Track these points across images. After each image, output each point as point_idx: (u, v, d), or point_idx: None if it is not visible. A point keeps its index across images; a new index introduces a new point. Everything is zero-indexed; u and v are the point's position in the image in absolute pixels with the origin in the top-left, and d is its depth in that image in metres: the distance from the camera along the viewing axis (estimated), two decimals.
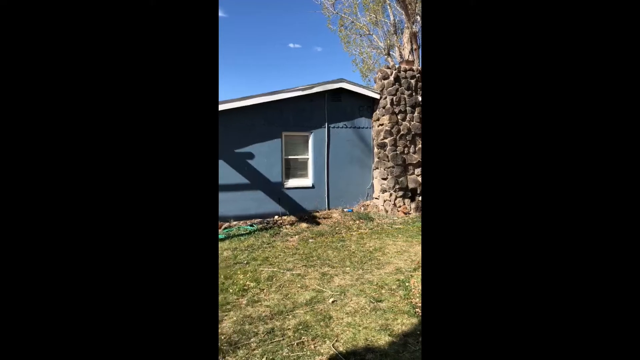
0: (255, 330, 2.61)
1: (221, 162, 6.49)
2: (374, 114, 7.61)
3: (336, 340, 2.47)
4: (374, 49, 16.18)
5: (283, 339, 2.49)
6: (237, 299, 3.21)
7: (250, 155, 6.68)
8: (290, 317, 2.84)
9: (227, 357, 2.27)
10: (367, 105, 7.64)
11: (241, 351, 2.33)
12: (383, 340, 2.47)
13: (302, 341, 2.46)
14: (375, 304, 3.07)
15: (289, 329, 2.64)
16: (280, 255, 4.62)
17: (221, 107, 6.34)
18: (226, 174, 6.52)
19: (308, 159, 7.23)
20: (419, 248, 4.84)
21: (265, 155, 6.76)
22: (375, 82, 7.74)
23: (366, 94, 7.47)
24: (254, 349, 2.36)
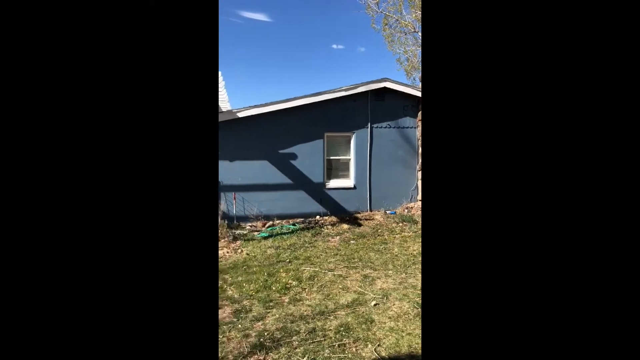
0: (297, 328, 2.64)
1: (265, 163, 6.67)
2: (419, 113, 7.38)
3: (378, 345, 2.42)
4: (419, 46, 15.71)
5: (324, 340, 2.49)
6: (280, 296, 3.27)
7: (293, 156, 6.79)
8: (331, 318, 2.83)
9: (270, 354, 2.31)
10: (412, 105, 7.43)
11: (283, 349, 2.37)
12: None
13: (344, 343, 2.45)
14: (419, 309, 2.97)
15: (330, 329, 2.63)
16: (321, 255, 4.64)
17: (265, 110, 6.52)
18: (270, 173, 6.68)
19: (350, 159, 7.20)
20: None
21: (308, 156, 6.83)
22: (420, 80, 7.50)
23: (411, 92, 7.27)
24: (295, 347, 2.38)
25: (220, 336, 2.52)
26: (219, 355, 2.28)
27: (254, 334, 2.56)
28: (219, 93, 6.04)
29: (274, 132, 6.65)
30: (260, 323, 2.74)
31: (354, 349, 2.37)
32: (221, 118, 6.49)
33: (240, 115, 6.51)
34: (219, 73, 5.25)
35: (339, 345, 2.41)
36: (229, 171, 6.57)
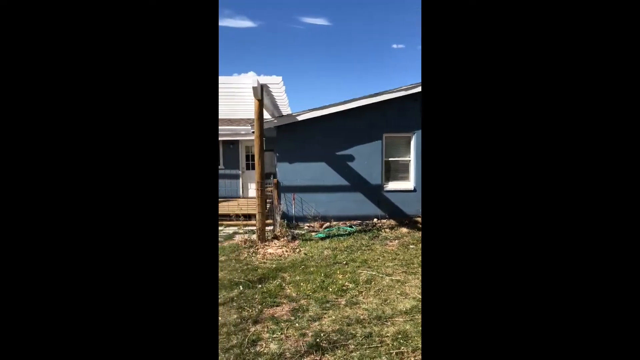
0: (354, 332, 2.61)
1: (322, 164, 6.75)
2: None
3: None
4: None
5: (381, 346, 2.43)
6: (336, 298, 3.27)
7: (351, 158, 6.77)
8: (389, 323, 2.76)
9: (326, 355, 2.32)
10: None
11: (340, 351, 2.36)
12: None
13: (402, 351, 2.36)
14: None
15: (387, 335, 2.56)
16: (379, 259, 4.55)
17: (324, 112, 6.60)
18: (328, 175, 6.74)
19: (410, 161, 6.96)
20: None
21: (366, 157, 6.76)
22: None
23: None
24: (351, 351, 2.36)
25: (278, 333, 2.60)
26: (279, 350, 2.35)
27: (310, 334, 2.59)
28: (280, 97, 6.26)
29: (332, 134, 6.70)
30: (317, 323, 2.77)
31: (412, 359, 2.28)
32: (282, 122, 6.72)
33: (300, 118, 6.67)
34: (280, 78, 5.44)
35: (396, 354, 2.33)
36: (289, 172, 6.78)
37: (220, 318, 2.82)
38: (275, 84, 5.48)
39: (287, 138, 6.74)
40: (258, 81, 5.21)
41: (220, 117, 9.44)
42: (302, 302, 3.18)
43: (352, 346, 2.42)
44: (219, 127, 9.22)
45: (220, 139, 9.28)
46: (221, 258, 4.54)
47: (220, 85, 5.64)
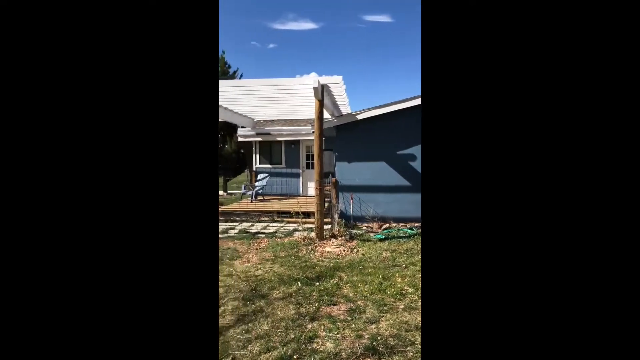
0: (412, 339, 2.51)
1: (382, 164, 6.61)
2: None
3: None
4: None
5: None
6: (394, 302, 3.18)
7: (412, 157, 6.53)
8: None
9: (382, 359, 2.27)
10: None
11: (397, 357, 2.29)
12: None
13: None
14: None
15: None
16: None
17: (384, 110, 6.45)
18: (387, 175, 6.59)
19: None
20: None
21: None
22: None
23: None
24: (410, 358, 2.27)
25: (334, 332, 2.60)
26: (335, 349, 2.35)
27: (367, 336, 2.55)
28: (340, 97, 6.27)
29: (393, 133, 6.53)
30: (373, 326, 2.72)
31: None
32: (341, 121, 6.73)
33: (360, 117, 6.62)
34: (340, 77, 5.45)
35: None
36: (347, 172, 6.76)
37: (279, 312, 2.92)
38: (336, 83, 5.50)
39: (346, 137, 6.73)
40: (319, 81, 5.28)
41: (282, 117, 9.79)
42: (359, 303, 3.15)
43: (410, 354, 2.33)
44: (282, 128, 9.56)
45: (282, 139, 9.62)
46: (281, 254, 4.70)
47: (282, 87, 5.83)
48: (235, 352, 2.31)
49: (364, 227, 6.44)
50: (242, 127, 9.84)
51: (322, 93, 5.42)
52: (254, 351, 2.32)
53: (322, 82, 5.35)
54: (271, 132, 9.58)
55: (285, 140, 9.83)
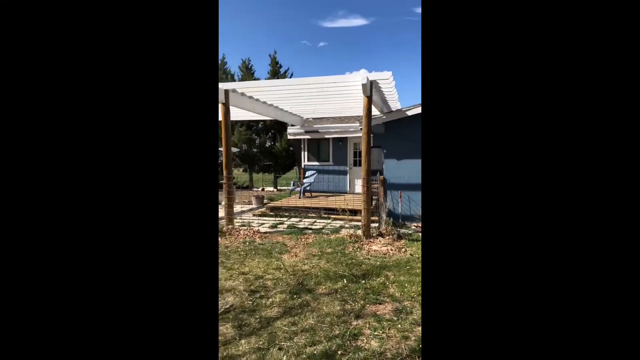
0: None
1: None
2: None
3: None
4: None
5: None
6: None
7: None
8: None
9: None
10: None
11: None
12: None
13: None
14: None
15: None
16: None
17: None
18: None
19: None
20: None
21: None
22: None
23: None
24: None
25: (380, 331, 2.58)
26: (380, 348, 2.33)
27: (413, 338, 2.49)
28: (389, 93, 6.14)
29: None
30: (420, 328, 2.64)
31: None
32: (390, 117, 6.59)
33: (409, 113, 6.43)
34: (389, 73, 5.33)
35: None
36: (396, 169, 6.61)
37: (324, 307, 2.96)
38: (385, 79, 5.40)
39: (395, 134, 6.57)
40: (367, 78, 5.22)
41: (330, 115, 9.84)
42: (405, 303, 3.08)
43: None
44: (330, 125, 9.62)
45: (330, 136, 9.68)
46: (328, 250, 4.75)
47: (330, 85, 5.86)
48: (282, 343, 2.39)
49: (413, 227, 6.26)
50: (292, 125, 10.07)
51: (371, 89, 5.36)
52: (300, 343, 2.38)
53: (370, 79, 5.28)
54: (319, 130, 9.68)
55: (333, 138, 9.87)
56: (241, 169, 16.70)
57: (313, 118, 10.50)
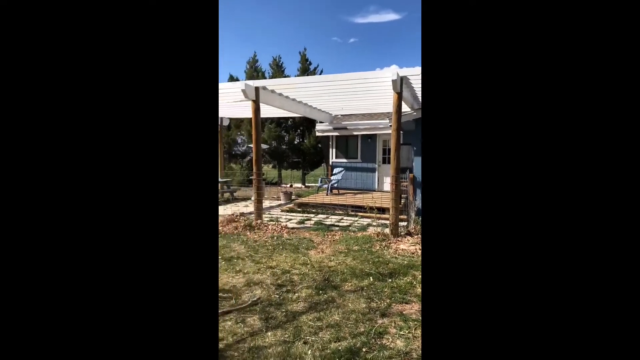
0: None
1: None
2: None
3: None
4: None
5: None
6: None
7: None
8: None
9: None
10: None
11: None
12: None
13: None
14: None
15: None
16: None
17: None
18: None
19: None
20: None
21: None
22: None
23: None
24: None
25: (405, 331, 2.54)
26: (405, 348, 2.30)
27: None
28: (420, 89, 5.99)
29: None
30: None
31: None
32: (421, 114, 6.43)
33: None
34: (420, 68, 5.19)
35: None
36: None
37: (350, 304, 2.96)
38: (416, 75, 5.28)
39: None
40: (398, 74, 5.13)
41: (359, 112, 9.77)
42: None
43: None
44: (359, 122, 9.54)
45: (358, 133, 9.61)
46: (354, 247, 4.74)
47: (360, 81, 5.81)
48: (307, 337, 2.42)
49: None
50: (321, 122, 10.09)
51: (401, 85, 5.25)
52: (325, 339, 2.40)
53: (401, 74, 5.18)
54: (348, 127, 9.63)
55: (362, 135, 9.79)
56: (270, 165, 16.98)
57: (342, 115, 10.46)
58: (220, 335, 2.43)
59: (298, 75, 14.34)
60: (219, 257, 4.27)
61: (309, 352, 2.23)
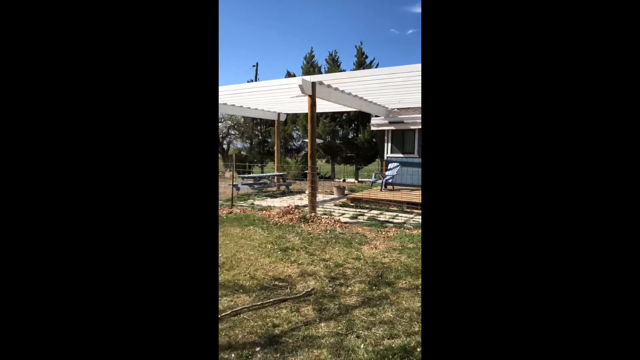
0: None
1: None
2: None
3: None
4: None
5: None
6: None
7: None
8: None
9: None
10: None
11: None
12: None
13: None
14: None
15: None
16: None
17: None
18: None
19: None
20: None
21: None
22: None
23: None
24: None
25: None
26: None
27: None
28: None
29: None
30: None
31: None
32: None
33: None
34: None
35: None
36: None
37: (404, 302, 2.90)
38: None
39: None
40: None
41: (416, 105, 9.41)
42: None
43: None
44: (416, 116, 9.21)
45: (415, 127, 9.28)
46: (409, 245, 4.61)
47: (417, 73, 5.59)
48: (360, 331, 2.42)
49: None
50: (376, 115, 9.93)
51: None
52: (377, 334, 2.38)
53: None
54: (404, 120, 9.35)
55: (419, 129, 9.44)
56: (324, 160, 17.16)
57: (398, 108, 10.18)
58: (276, 321, 2.54)
59: (354, 70, 14.22)
60: (275, 247, 4.44)
61: (362, 347, 2.24)
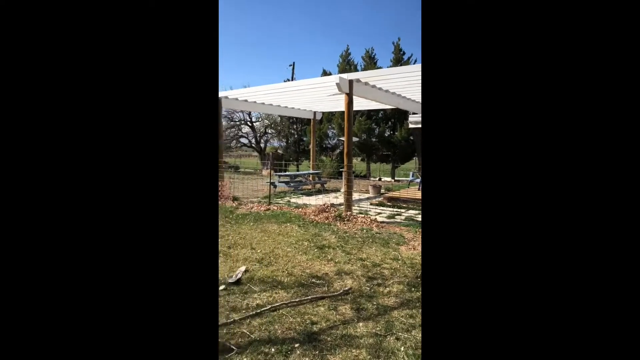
0: None
1: None
2: None
3: None
4: None
5: None
6: None
7: None
8: None
9: None
10: None
11: None
12: None
13: None
14: None
15: None
16: None
17: None
18: None
19: None
20: None
21: None
22: None
23: None
24: None
25: None
26: None
27: None
28: None
29: None
30: None
31: None
32: None
33: None
34: None
35: None
36: None
37: None
38: None
39: None
40: None
41: None
42: None
43: None
44: None
45: None
46: None
47: None
48: (399, 333, 2.37)
49: None
50: (413, 113, 9.67)
51: None
52: (418, 338, 2.32)
53: None
54: None
55: None
56: (359, 159, 17.03)
57: None
58: (314, 319, 2.56)
59: (391, 67, 13.96)
60: (312, 244, 4.47)
61: (402, 349, 2.19)
